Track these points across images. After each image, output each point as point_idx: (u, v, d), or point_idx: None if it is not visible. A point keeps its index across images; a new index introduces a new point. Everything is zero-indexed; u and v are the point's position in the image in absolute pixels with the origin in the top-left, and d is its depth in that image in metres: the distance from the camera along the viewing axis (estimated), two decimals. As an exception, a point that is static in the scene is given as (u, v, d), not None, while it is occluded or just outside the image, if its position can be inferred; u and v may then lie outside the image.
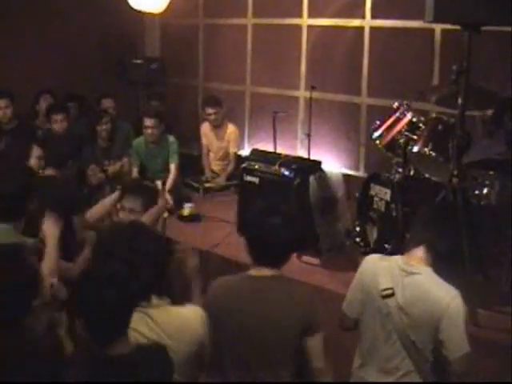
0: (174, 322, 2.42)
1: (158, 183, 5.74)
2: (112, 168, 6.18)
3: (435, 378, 2.78)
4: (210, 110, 6.69)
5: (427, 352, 2.73)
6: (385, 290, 2.75)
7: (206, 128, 6.90)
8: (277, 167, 5.15)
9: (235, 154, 6.77)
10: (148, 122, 6.19)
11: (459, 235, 3.43)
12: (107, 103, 6.77)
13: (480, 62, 4.14)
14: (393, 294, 2.74)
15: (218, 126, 6.76)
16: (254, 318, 2.63)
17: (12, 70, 6.56)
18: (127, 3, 6.62)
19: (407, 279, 2.75)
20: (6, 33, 6.71)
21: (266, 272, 2.69)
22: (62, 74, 7.08)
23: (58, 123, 5.95)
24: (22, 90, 6.23)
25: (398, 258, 2.85)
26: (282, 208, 2.83)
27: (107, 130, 6.21)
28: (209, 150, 6.94)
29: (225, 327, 2.66)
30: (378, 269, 2.85)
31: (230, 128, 6.80)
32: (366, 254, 4.71)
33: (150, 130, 6.19)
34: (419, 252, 2.80)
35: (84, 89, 7.06)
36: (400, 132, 4.81)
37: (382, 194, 4.79)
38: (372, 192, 4.89)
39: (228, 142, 6.78)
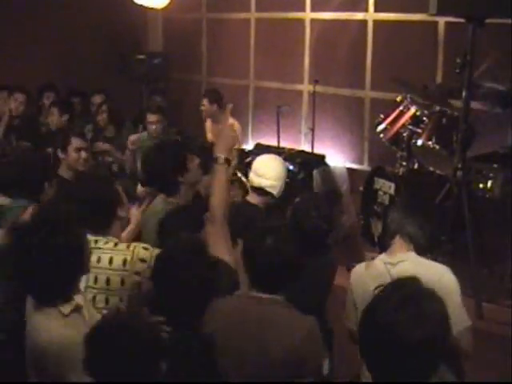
0: None
1: None
2: (100, 146, 6.05)
3: None
4: (203, 101, 6.69)
5: None
6: (375, 288, 2.61)
7: (209, 123, 6.88)
8: (281, 161, 5.14)
9: (236, 150, 6.65)
10: (151, 117, 6.19)
11: (439, 227, 3.31)
12: (98, 99, 6.74)
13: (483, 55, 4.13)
14: None
15: (214, 121, 6.69)
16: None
17: (14, 66, 6.56)
18: (130, -2, 6.63)
19: (394, 270, 2.73)
20: (7, 29, 6.71)
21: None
22: (65, 70, 7.08)
23: (54, 116, 5.89)
24: (24, 86, 6.22)
25: (381, 256, 2.86)
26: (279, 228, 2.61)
27: (104, 119, 6.22)
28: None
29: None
30: (366, 275, 2.84)
31: (229, 122, 6.70)
32: (373, 247, 4.76)
33: (153, 126, 6.19)
34: (400, 241, 2.80)
35: (86, 84, 7.04)
36: (404, 125, 4.81)
37: (386, 187, 4.79)
38: (376, 186, 4.89)
39: None
